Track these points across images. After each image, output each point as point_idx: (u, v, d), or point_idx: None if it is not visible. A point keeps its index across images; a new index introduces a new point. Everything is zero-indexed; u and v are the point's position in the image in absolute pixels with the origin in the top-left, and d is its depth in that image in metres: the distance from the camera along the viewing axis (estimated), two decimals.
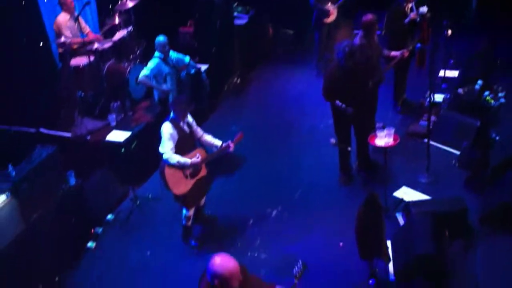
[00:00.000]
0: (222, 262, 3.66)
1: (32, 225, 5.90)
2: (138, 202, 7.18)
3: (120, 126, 7.64)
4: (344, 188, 7.08)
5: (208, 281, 3.71)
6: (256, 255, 6.14)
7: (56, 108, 7.64)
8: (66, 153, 6.56)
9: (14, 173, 5.81)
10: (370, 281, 5.57)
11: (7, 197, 5.63)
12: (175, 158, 5.90)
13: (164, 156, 5.92)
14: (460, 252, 5.71)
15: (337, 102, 6.50)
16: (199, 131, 6.29)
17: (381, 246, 5.45)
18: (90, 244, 6.60)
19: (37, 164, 6.03)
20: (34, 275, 5.87)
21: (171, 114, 6.04)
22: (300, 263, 4.17)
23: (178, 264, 6.23)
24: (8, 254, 5.59)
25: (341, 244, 6.12)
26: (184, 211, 6.26)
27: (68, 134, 7.49)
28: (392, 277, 5.56)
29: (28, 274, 5.79)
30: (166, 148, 5.91)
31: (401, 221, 6.24)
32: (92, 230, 6.74)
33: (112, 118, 7.74)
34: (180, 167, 5.95)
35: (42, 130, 7.50)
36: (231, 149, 6.17)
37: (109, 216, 7.00)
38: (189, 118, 6.17)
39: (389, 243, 5.66)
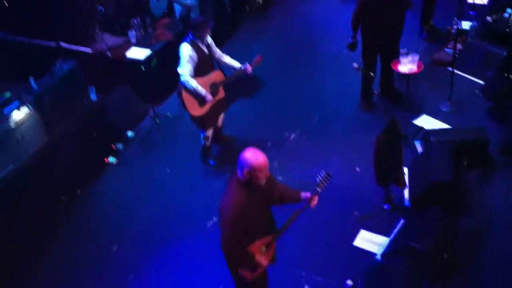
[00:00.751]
0: (253, 154, 3.81)
1: (55, 138, 6.00)
2: (158, 120, 7.23)
3: (140, 43, 7.55)
4: (364, 114, 7.04)
5: (237, 176, 3.86)
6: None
7: (77, 23, 7.54)
8: (86, 69, 6.54)
9: (36, 86, 5.85)
10: (385, 206, 5.66)
11: (29, 110, 5.69)
12: (193, 84, 5.85)
13: (182, 79, 5.86)
14: (478, 182, 5.73)
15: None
16: (218, 52, 6.17)
17: (398, 172, 5.49)
18: (111, 159, 6.72)
19: (60, 78, 6.05)
20: (57, 187, 6.04)
21: (190, 34, 5.94)
22: (324, 172, 4.10)
23: (197, 183, 6.35)
24: (31, 165, 5.72)
25: (358, 169, 6.17)
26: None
27: (88, 49, 7.44)
28: (407, 203, 5.63)
29: (51, 185, 5.95)
30: (185, 71, 5.83)
31: (419, 149, 6.24)
32: (113, 146, 6.84)
33: (132, 34, 7.64)
34: (194, 93, 5.93)
35: (63, 44, 7.46)
36: (249, 71, 6.10)
37: (130, 133, 7.09)
38: (208, 39, 6.05)
39: (406, 170, 5.69)
